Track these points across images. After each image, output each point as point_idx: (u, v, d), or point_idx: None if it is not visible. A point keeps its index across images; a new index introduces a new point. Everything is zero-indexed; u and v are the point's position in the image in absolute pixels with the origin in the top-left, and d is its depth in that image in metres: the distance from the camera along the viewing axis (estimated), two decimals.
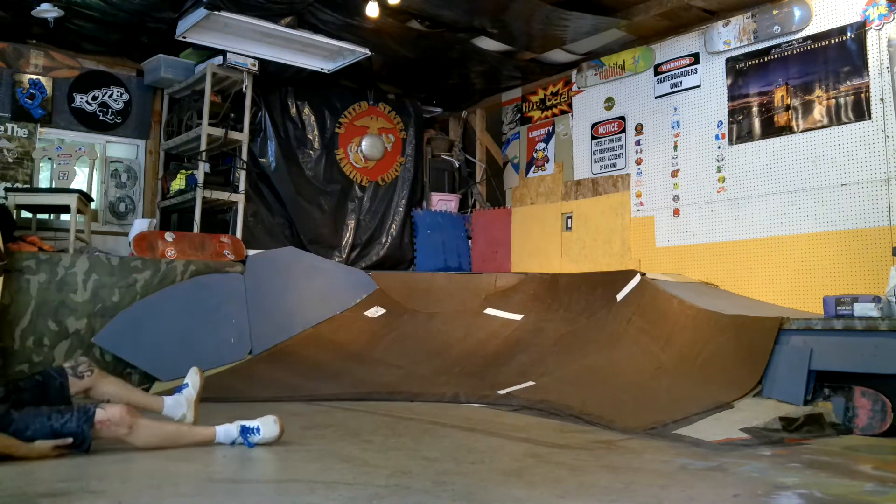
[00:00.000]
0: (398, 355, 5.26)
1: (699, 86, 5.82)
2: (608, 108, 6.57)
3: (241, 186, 6.30)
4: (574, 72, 6.86)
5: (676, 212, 5.89)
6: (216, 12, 5.25)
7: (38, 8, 5.35)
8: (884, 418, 3.36)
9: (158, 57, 6.26)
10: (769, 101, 5.33)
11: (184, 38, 5.65)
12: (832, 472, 2.55)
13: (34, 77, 6.03)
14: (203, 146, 6.04)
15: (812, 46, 5.11)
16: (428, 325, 5.66)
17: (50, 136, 6.13)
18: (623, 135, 6.41)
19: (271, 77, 6.61)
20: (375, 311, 5.85)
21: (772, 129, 5.31)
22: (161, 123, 6.67)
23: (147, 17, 5.59)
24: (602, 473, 2.47)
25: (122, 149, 6.60)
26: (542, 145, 7.20)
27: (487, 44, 6.35)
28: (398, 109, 7.64)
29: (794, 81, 5.19)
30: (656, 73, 6.15)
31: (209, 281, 5.39)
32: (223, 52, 6.00)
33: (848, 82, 4.89)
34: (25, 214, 5.74)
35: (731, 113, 5.57)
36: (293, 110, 7.02)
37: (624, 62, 6.41)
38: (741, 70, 5.53)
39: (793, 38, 5.22)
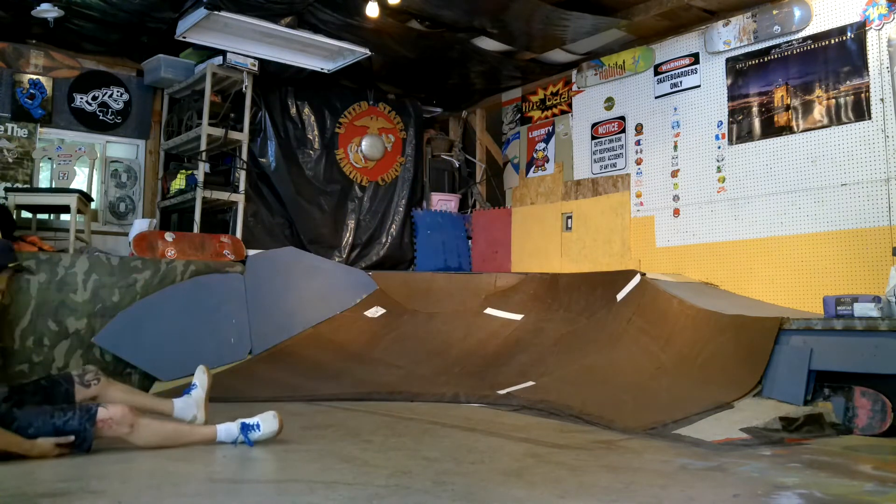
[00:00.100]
0: (398, 355, 5.26)
1: (699, 86, 5.82)
2: (608, 108, 6.57)
3: (241, 186, 6.30)
4: (574, 72, 6.86)
5: (676, 212, 5.89)
6: (216, 12, 5.25)
7: (38, 8, 5.35)
8: (884, 418, 3.36)
9: (158, 57, 6.26)
10: (769, 101, 5.33)
11: (184, 38, 5.65)
12: (832, 472, 2.55)
13: (34, 77, 6.03)
14: (203, 146, 6.04)
15: (812, 46, 5.11)
16: (428, 325, 5.66)
17: (50, 136, 6.13)
18: (623, 135, 6.41)
19: (271, 77, 6.61)
20: (375, 311, 5.85)
21: (772, 129, 5.31)
22: (161, 123, 6.67)
23: (147, 17, 5.59)
24: (602, 473, 2.47)
25: (122, 149, 6.61)
26: (542, 145, 7.20)
27: (487, 44, 6.35)
28: (398, 109, 7.65)
29: (794, 81, 5.19)
30: (656, 73, 6.15)
31: (209, 281, 5.39)
32: (223, 52, 6.00)
33: (848, 82, 4.89)
34: (25, 214, 5.75)
35: (731, 113, 5.57)
36: (293, 110, 7.02)
37: (624, 62, 6.41)
38: (741, 70, 5.53)
39: (793, 38, 5.22)
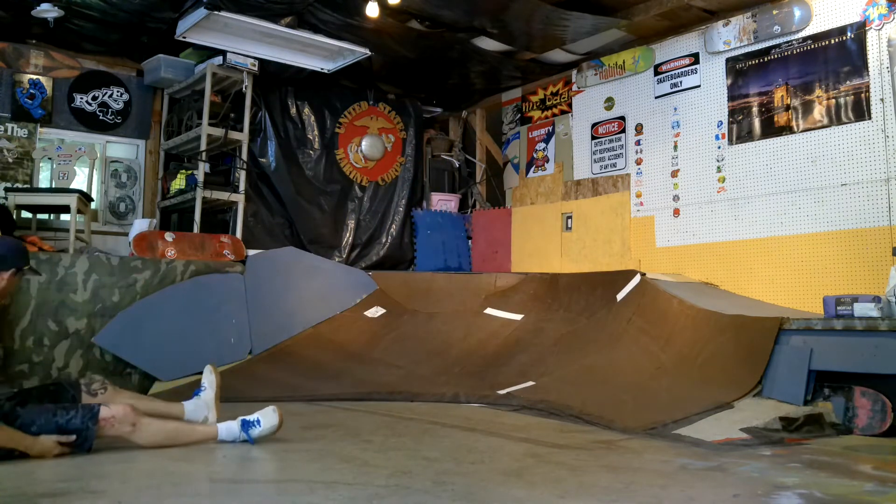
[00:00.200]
0: (398, 355, 5.26)
1: (699, 86, 5.82)
2: (608, 108, 6.57)
3: (241, 186, 6.30)
4: (574, 72, 6.86)
5: (676, 212, 5.89)
6: (216, 12, 5.25)
7: (38, 8, 5.35)
8: (884, 418, 3.36)
9: (158, 57, 6.26)
10: (769, 101, 5.33)
11: (184, 38, 5.65)
12: (832, 472, 2.55)
13: (34, 77, 6.03)
14: (203, 146, 6.04)
15: (812, 46, 5.11)
16: (428, 325, 5.66)
17: (50, 136, 6.13)
18: (623, 135, 6.41)
19: (271, 77, 6.61)
20: (375, 311, 5.85)
21: (772, 129, 5.31)
22: (161, 123, 6.67)
23: (147, 17, 5.59)
24: (602, 473, 2.47)
25: (122, 149, 6.61)
26: (542, 145, 7.20)
27: (487, 44, 6.35)
28: (398, 109, 7.65)
29: (794, 81, 5.19)
30: (656, 73, 6.15)
31: (209, 281, 5.39)
32: (223, 52, 6.00)
33: (848, 82, 4.89)
34: (25, 214, 5.74)
35: (731, 113, 5.57)
36: (293, 110, 7.02)
37: (624, 62, 6.41)
38: (741, 70, 5.53)
39: (793, 38, 5.22)
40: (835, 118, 4.95)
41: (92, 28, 5.76)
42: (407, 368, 5.03)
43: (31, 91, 6.01)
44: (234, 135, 6.23)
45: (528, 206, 7.24)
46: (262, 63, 6.17)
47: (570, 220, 6.77)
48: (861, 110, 4.81)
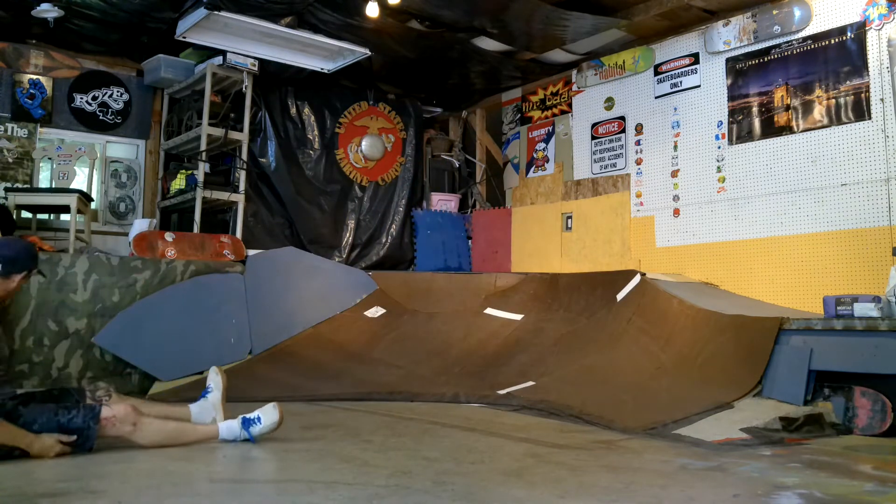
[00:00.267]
0: (398, 355, 5.26)
1: (699, 86, 5.82)
2: (608, 108, 6.57)
3: (241, 186, 6.30)
4: (574, 72, 6.86)
5: (676, 212, 5.89)
6: (216, 12, 5.25)
7: (38, 8, 5.35)
8: (884, 418, 3.36)
9: (158, 57, 6.26)
10: (769, 101, 5.33)
11: (184, 38, 5.65)
12: (832, 472, 2.55)
13: (34, 77, 6.03)
14: (203, 146, 6.04)
15: (812, 46, 5.11)
16: (428, 325, 5.66)
17: (50, 136, 6.13)
18: (623, 135, 6.41)
19: (271, 77, 6.61)
20: (375, 311, 5.85)
21: (772, 129, 5.31)
22: (161, 123, 6.67)
23: (147, 17, 5.59)
24: (602, 473, 2.47)
25: (122, 149, 6.61)
26: (542, 145, 7.20)
27: (487, 44, 6.35)
28: (398, 109, 7.65)
29: (794, 81, 5.19)
30: (656, 73, 6.15)
31: (209, 281, 5.39)
32: (223, 52, 6.00)
33: (848, 82, 4.89)
34: (25, 214, 5.74)
35: (731, 113, 5.57)
36: (293, 110, 7.02)
37: (624, 62, 6.41)
38: (741, 70, 5.53)
39: (793, 38, 5.22)
40: (835, 118, 4.95)
41: (92, 28, 5.76)
42: (407, 368, 5.03)
43: (31, 91, 6.01)
44: (234, 135, 6.23)
45: (528, 206, 7.24)
46: (262, 63, 6.17)
47: (570, 220, 6.77)
48: (861, 110, 4.81)
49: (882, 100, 4.71)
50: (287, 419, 3.10)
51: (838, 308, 3.72)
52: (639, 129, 6.28)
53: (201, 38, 5.72)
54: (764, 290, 5.15)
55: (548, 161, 7.12)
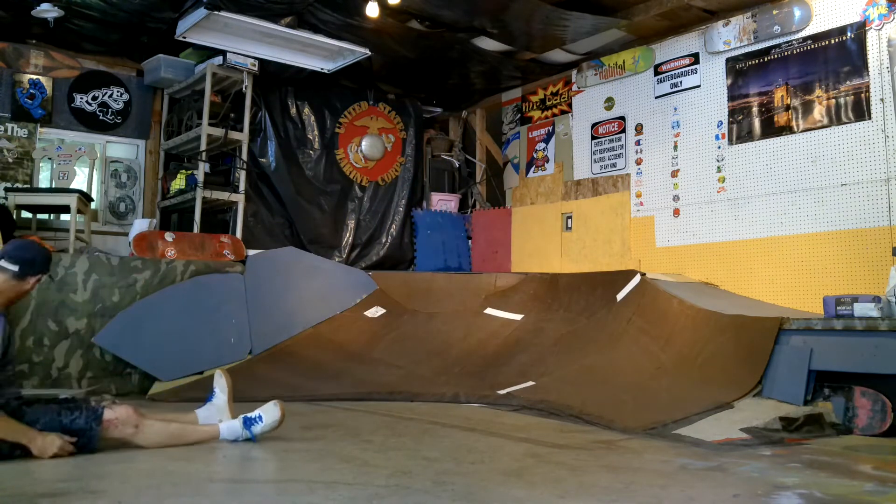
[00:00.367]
0: (398, 355, 5.26)
1: (699, 86, 5.82)
2: (608, 108, 6.57)
3: (241, 186, 6.30)
4: (574, 72, 6.86)
5: (676, 212, 5.89)
6: (216, 12, 5.25)
7: (38, 8, 5.35)
8: (884, 418, 3.36)
9: (158, 57, 6.26)
10: (769, 101, 5.33)
11: (184, 38, 5.65)
12: (832, 472, 2.55)
13: (34, 77, 6.03)
14: (203, 146, 6.04)
15: (812, 46, 5.11)
16: (428, 325, 5.66)
17: (50, 136, 6.13)
18: (623, 135, 6.41)
19: (271, 77, 6.61)
20: (375, 311, 5.85)
21: (772, 129, 5.31)
22: (161, 123, 6.67)
23: (147, 17, 5.59)
24: (602, 473, 2.47)
25: (122, 149, 6.61)
26: (542, 145, 7.20)
27: (487, 44, 6.35)
28: (398, 109, 7.65)
29: (794, 81, 5.19)
30: (656, 73, 6.15)
31: (209, 281, 5.39)
32: (223, 52, 6.00)
33: (848, 82, 4.89)
34: (25, 214, 5.75)
35: (731, 113, 5.57)
36: (293, 110, 7.02)
37: (624, 62, 6.41)
38: (741, 70, 5.53)
39: (793, 38, 5.22)
40: (835, 118, 4.95)
41: (92, 28, 5.76)
42: (407, 368, 5.03)
43: (31, 91, 6.01)
44: (234, 135, 6.23)
45: (528, 206, 7.24)
46: (262, 63, 6.17)
47: (570, 220, 6.77)
48: (861, 110, 4.81)
49: (882, 100, 4.71)
50: (287, 419, 3.10)
51: (838, 308, 3.72)
52: (639, 129, 6.28)
53: (201, 38, 5.72)
54: (764, 290, 5.15)
55: (548, 161, 7.12)
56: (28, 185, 5.86)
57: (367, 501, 2.05)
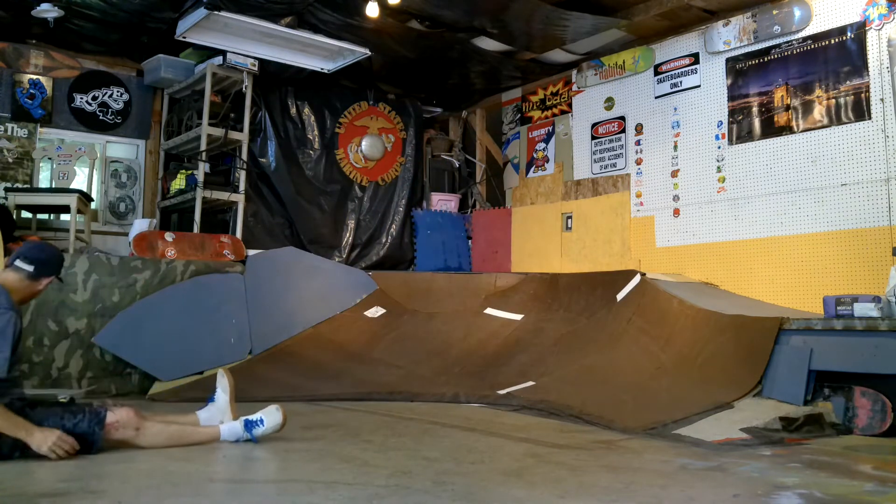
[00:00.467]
0: (398, 355, 5.26)
1: (699, 86, 5.82)
2: (608, 108, 6.57)
3: (241, 186, 6.30)
4: (574, 72, 6.86)
5: (676, 212, 5.89)
6: (216, 12, 5.25)
7: (38, 8, 5.35)
8: (884, 418, 3.36)
9: (158, 57, 6.26)
10: (769, 101, 5.33)
11: (184, 38, 5.65)
12: (832, 472, 2.55)
13: (34, 77, 6.03)
14: (203, 146, 6.04)
15: (812, 46, 5.11)
16: (428, 325, 5.66)
17: (50, 136, 6.13)
18: (623, 135, 6.41)
19: (271, 77, 6.61)
20: (375, 311, 5.85)
21: (772, 129, 5.31)
22: (161, 123, 6.67)
23: (147, 17, 5.59)
24: (602, 473, 2.47)
25: (122, 149, 6.61)
26: (542, 145, 7.20)
27: (487, 44, 6.35)
28: (398, 109, 7.65)
29: (794, 81, 5.19)
30: (656, 73, 6.15)
31: (209, 281, 5.39)
32: (223, 52, 6.00)
33: (848, 82, 4.89)
34: (25, 214, 5.75)
35: (731, 113, 5.57)
36: (293, 110, 7.02)
37: (624, 62, 6.41)
38: (741, 70, 5.53)
39: (793, 38, 5.22)
40: (835, 118, 4.95)
41: (92, 28, 5.76)
42: (407, 368, 5.03)
43: (31, 91, 6.01)
44: (234, 135, 6.23)
45: (528, 206, 7.24)
46: (262, 63, 6.17)
47: (570, 220, 6.77)
48: (861, 110, 4.81)
49: (882, 100, 4.71)
50: (287, 420, 3.10)
51: (838, 308, 3.72)
52: (639, 129, 6.28)
53: (201, 38, 5.72)
54: (764, 290, 5.15)
55: (548, 161, 7.12)
56: (28, 185, 5.86)
57: (367, 501, 2.05)
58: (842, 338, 3.57)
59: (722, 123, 5.63)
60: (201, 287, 5.32)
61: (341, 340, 5.52)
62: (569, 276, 5.77)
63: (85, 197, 5.62)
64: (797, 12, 5.16)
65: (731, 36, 5.57)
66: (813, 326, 3.69)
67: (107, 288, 4.96)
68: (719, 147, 5.63)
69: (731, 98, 5.58)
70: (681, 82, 5.95)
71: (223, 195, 6.15)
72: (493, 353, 5.11)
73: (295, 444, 2.98)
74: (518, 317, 5.50)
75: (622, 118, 6.43)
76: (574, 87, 6.88)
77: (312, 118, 7.13)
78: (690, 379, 3.93)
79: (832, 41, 5.00)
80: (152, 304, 5.06)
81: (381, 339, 5.53)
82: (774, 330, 3.79)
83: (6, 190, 5.61)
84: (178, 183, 6.29)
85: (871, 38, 4.79)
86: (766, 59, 5.38)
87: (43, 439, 2.58)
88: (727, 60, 5.63)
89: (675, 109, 5.98)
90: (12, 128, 5.91)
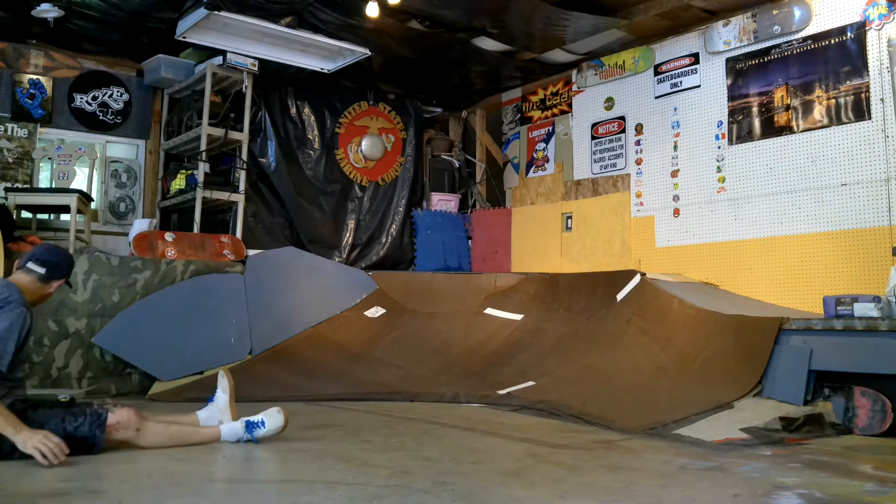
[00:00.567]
0: (398, 355, 5.26)
1: (699, 86, 5.82)
2: (608, 108, 6.57)
3: (241, 186, 6.30)
4: (574, 72, 6.86)
5: (676, 212, 5.89)
6: (216, 12, 5.25)
7: (38, 8, 5.35)
8: (884, 418, 3.36)
9: (158, 57, 6.26)
10: (769, 101, 5.33)
11: (184, 38, 5.65)
12: (832, 472, 2.55)
13: (34, 77, 6.03)
14: (203, 146, 6.04)
15: (812, 46, 5.11)
16: (428, 325, 5.66)
17: (50, 136, 6.13)
18: (623, 135, 6.41)
19: (271, 77, 6.61)
20: (375, 311, 5.85)
21: (772, 129, 5.31)
22: (161, 123, 6.67)
23: (147, 17, 5.59)
24: (602, 473, 2.47)
25: (122, 149, 6.60)
26: (542, 145, 7.20)
27: (487, 44, 6.35)
28: (398, 109, 7.65)
29: (794, 81, 5.19)
30: (656, 73, 6.15)
31: (209, 281, 5.39)
32: (223, 52, 6.00)
33: (848, 82, 4.89)
34: (25, 214, 5.74)
35: (731, 113, 5.57)
36: (293, 110, 7.02)
37: (624, 62, 6.41)
38: (741, 70, 5.53)
39: (793, 38, 5.22)
40: (835, 118, 4.95)
41: (92, 28, 5.75)
42: (407, 368, 5.03)
43: (31, 91, 6.01)
44: (234, 135, 6.23)
45: (528, 206, 7.24)
46: (262, 63, 6.17)
47: (570, 220, 6.77)
48: (861, 110, 4.81)
49: (882, 100, 4.71)
50: (289, 421, 3.10)
51: (838, 308, 3.72)
52: (639, 129, 6.28)
53: (201, 38, 5.72)
54: (764, 290, 5.15)
55: (548, 161, 7.12)
56: (28, 185, 5.86)
57: (367, 501, 2.05)
58: (842, 338, 3.57)
59: (722, 123, 5.63)
60: (201, 287, 5.32)
61: (341, 340, 5.52)
62: (569, 276, 5.77)
63: (85, 197, 5.62)
64: (797, 12, 5.16)
65: (731, 36, 5.57)
66: (813, 326, 3.69)
67: (107, 288, 4.96)
68: (719, 147, 5.63)
69: (731, 98, 5.58)
70: (681, 82, 5.95)
71: (223, 195, 6.15)
72: (493, 353, 5.11)
73: (295, 444, 2.98)
74: (518, 317, 5.50)
75: (622, 118, 6.43)
76: (574, 87, 6.88)
77: (312, 118, 7.13)
78: (690, 379, 3.93)
79: (832, 41, 5.00)
80: (152, 304, 5.06)
81: (381, 338, 5.53)
82: (774, 330, 3.79)
83: (6, 190, 5.61)
84: (178, 183, 6.29)
85: (871, 38, 4.79)
86: (766, 59, 5.38)
87: (27, 437, 2.50)
88: (727, 60, 5.63)
89: (675, 109, 5.98)
90: (12, 128, 5.91)
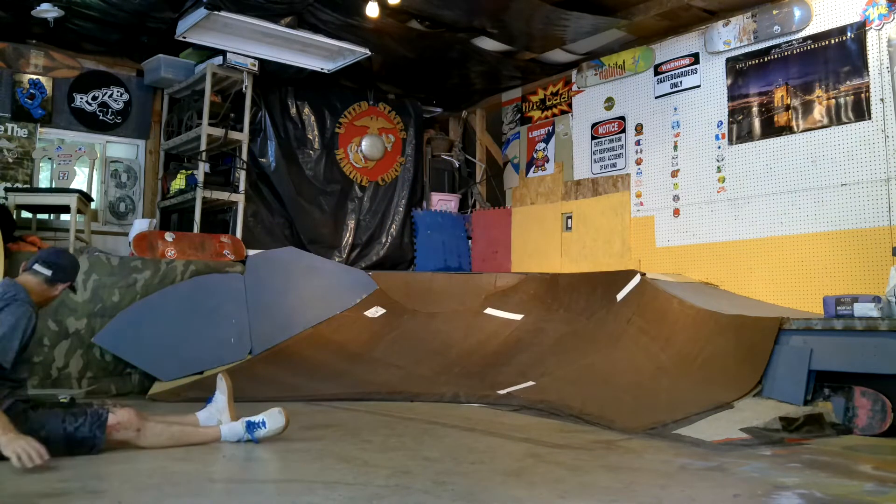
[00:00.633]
0: (398, 355, 5.26)
1: (699, 86, 5.82)
2: (608, 108, 6.57)
3: (241, 186, 6.30)
4: (574, 72, 6.86)
5: (676, 212, 5.89)
6: (216, 12, 5.25)
7: (38, 8, 5.34)
8: (884, 418, 3.36)
9: (158, 57, 6.26)
10: (769, 101, 5.33)
11: (184, 38, 5.65)
12: (832, 472, 2.55)
13: (34, 77, 6.03)
14: (203, 146, 6.04)
15: (812, 46, 5.11)
16: (428, 325, 5.66)
17: (50, 136, 6.13)
18: (623, 135, 6.41)
19: (271, 77, 6.61)
20: (375, 311, 5.85)
21: (772, 129, 5.31)
22: (161, 123, 6.67)
23: (147, 17, 5.59)
24: (602, 473, 2.47)
25: (122, 149, 6.60)
26: (542, 145, 7.20)
27: (487, 44, 6.35)
28: (398, 109, 7.65)
29: (794, 81, 5.19)
30: (656, 73, 6.15)
31: (209, 281, 5.39)
32: (223, 52, 6.00)
33: (848, 82, 4.89)
34: (25, 214, 5.74)
35: (731, 113, 5.57)
36: (293, 110, 7.02)
37: (624, 62, 6.41)
38: (741, 70, 5.53)
39: (793, 38, 5.22)
40: (835, 118, 4.95)
41: (92, 28, 5.75)
42: (407, 368, 5.03)
43: (31, 91, 6.01)
44: (234, 135, 6.23)
45: (528, 206, 7.24)
46: (262, 63, 6.17)
47: (570, 220, 6.77)
48: (861, 110, 4.81)
49: (882, 100, 4.71)
50: (289, 422, 3.10)
51: (838, 308, 3.72)
52: (639, 129, 6.28)
53: (201, 38, 5.72)
54: (764, 290, 5.15)
55: (548, 161, 7.12)
56: (28, 185, 5.86)
57: (367, 501, 2.05)
58: (842, 338, 3.57)
59: (722, 123, 5.63)
60: (201, 287, 5.32)
61: (341, 340, 5.52)
62: (569, 276, 5.77)
63: (85, 197, 5.62)
64: (797, 12, 5.16)
65: (731, 36, 5.57)
66: (813, 326, 3.69)
67: (107, 288, 4.96)
68: (719, 147, 5.63)
69: (731, 98, 5.58)
70: (681, 82, 5.95)
71: (223, 195, 6.15)
72: (493, 353, 5.11)
73: (295, 444, 2.98)
74: (518, 317, 5.50)
75: (622, 118, 6.43)
76: (574, 87, 6.88)
77: (312, 118, 7.13)
78: (690, 379, 3.93)
79: (832, 41, 5.00)
80: (152, 304, 5.06)
81: (381, 339, 5.53)
82: (774, 330, 3.79)
83: (6, 190, 5.61)
84: (178, 183, 6.29)
85: (871, 38, 4.79)
86: (766, 59, 5.38)
87: (10, 440, 2.45)
88: (727, 60, 5.63)
89: (675, 109, 5.98)
90: (12, 128, 5.91)
